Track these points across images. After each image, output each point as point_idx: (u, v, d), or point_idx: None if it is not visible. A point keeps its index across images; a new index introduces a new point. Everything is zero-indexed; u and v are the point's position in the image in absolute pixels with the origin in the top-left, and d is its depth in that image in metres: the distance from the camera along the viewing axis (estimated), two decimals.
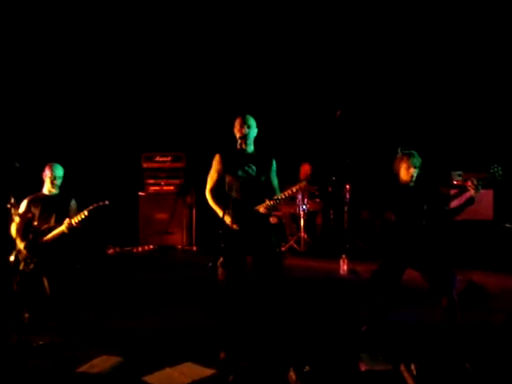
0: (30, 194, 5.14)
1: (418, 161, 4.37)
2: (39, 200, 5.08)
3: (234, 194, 4.09)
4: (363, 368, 3.83)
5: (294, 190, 4.05)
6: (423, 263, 4.25)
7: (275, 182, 4.34)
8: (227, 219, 3.99)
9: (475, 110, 8.43)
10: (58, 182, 5.10)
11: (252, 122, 4.27)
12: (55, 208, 5.04)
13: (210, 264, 4.32)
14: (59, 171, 5.11)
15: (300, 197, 8.31)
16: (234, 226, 4.03)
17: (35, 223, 4.95)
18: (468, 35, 8.27)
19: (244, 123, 4.22)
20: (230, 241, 4.01)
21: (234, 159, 4.23)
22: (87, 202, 4.83)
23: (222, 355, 4.07)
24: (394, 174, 4.48)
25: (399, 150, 4.45)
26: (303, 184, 4.16)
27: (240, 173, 4.18)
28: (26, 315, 4.89)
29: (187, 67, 9.30)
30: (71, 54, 9.04)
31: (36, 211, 5.00)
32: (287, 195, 4.06)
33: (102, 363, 4.05)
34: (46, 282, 4.86)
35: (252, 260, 4.18)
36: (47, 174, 5.08)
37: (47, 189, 5.12)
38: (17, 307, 4.58)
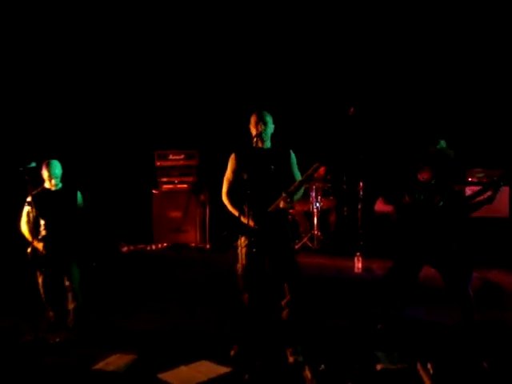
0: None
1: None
2: (44, 195, 4.92)
3: (251, 193, 3.97)
4: (379, 367, 3.81)
5: (310, 172, 3.93)
6: (439, 259, 4.23)
7: (297, 175, 4.17)
8: (246, 220, 3.92)
9: (493, 106, 8.33)
10: (56, 181, 4.93)
11: (268, 118, 4.12)
12: (63, 202, 4.92)
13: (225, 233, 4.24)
14: (56, 170, 4.92)
15: (313, 194, 8.29)
16: (253, 225, 3.99)
17: (43, 220, 4.86)
18: (486, 30, 8.18)
19: (259, 120, 4.07)
20: (249, 242, 3.98)
21: (250, 157, 4.14)
22: (101, 200, 4.82)
23: (233, 352, 4.09)
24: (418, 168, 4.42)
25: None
26: (316, 165, 3.93)
27: (257, 171, 4.06)
28: (51, 313, 4.89)
29: (200, 64, 9.28)
30: (84, 53, 9.07)
31: (44, 206, 4.84)
32: (303, 179, 3.97)
33: (117, 361, 4.07)
34: (65, 279, 4.86)
35: (268, 260, 4.15)
36: (44, 172, 4.91)
37: (49, 185, 4.96)
38: (37, 304, 4.59)
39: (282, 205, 4.00)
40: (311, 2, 8.63)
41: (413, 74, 8.65)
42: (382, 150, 8.57)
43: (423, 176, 4.37)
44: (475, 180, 7.68)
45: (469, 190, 4.32)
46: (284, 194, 3.96)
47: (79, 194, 5.09)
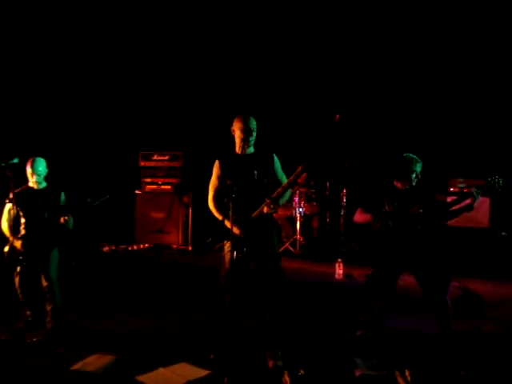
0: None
1: (417, 166, 4.36)
2: (27, 193, 4.82)
3: (235, 199, 3.92)
4: (358, 373, 3.82)
5: (292, 178, 3.90)
6: (417, 267, 4.27)
7: (283, 179, 4.11)
8: (232, 226, 3.89)
9: (475, 116, 8.45)
10: (38, 178, 4.81)
11: (255, 124, 4.08)
12: (46, 201, 4.82)
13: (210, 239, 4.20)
14: (39, 167, 4.81)
15: (297, 199, 8.32)
16: (239, 233, 4.00)
17: (24, 218, 4.77)
18: (467, 40, 8.29)
19: (246, 126, 4.03)
20: (235, 248, 3.97)
21: (233, 163, 4.12)
22: (84, 199, 4.76)
23: (212, 355, 4.07)
24: (394, 176, 4.45)
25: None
26: (298, 171, 3.86)
27: (240, 177, 4.04)
28: (28, 313, 4.84)
29: (186, 66, 9.30)
30: (71, 54, 9.03)
31: (25, 205, 4.74)
32: (285, 186, 3.94)
33: (95, 362, 4.02)
34: (43, 279, 4.79)
35: (254, 266, 4.14)
36: (27, 169, 4.80)
37: (31, 183, 4.86)
38: (14, 303, 4.51)
39: (265, 210, 3.99)
40: (298, 10, 8.67)
41: (398, 84, 8.74)
42: (367, 157, 8.63)
43: (398, 184, 4.41)
44: (457, 190, 7.78)
45: (450, 200, 4.34)
46: (268, 200, 3.96)
47: (63, 195, 4.99)
